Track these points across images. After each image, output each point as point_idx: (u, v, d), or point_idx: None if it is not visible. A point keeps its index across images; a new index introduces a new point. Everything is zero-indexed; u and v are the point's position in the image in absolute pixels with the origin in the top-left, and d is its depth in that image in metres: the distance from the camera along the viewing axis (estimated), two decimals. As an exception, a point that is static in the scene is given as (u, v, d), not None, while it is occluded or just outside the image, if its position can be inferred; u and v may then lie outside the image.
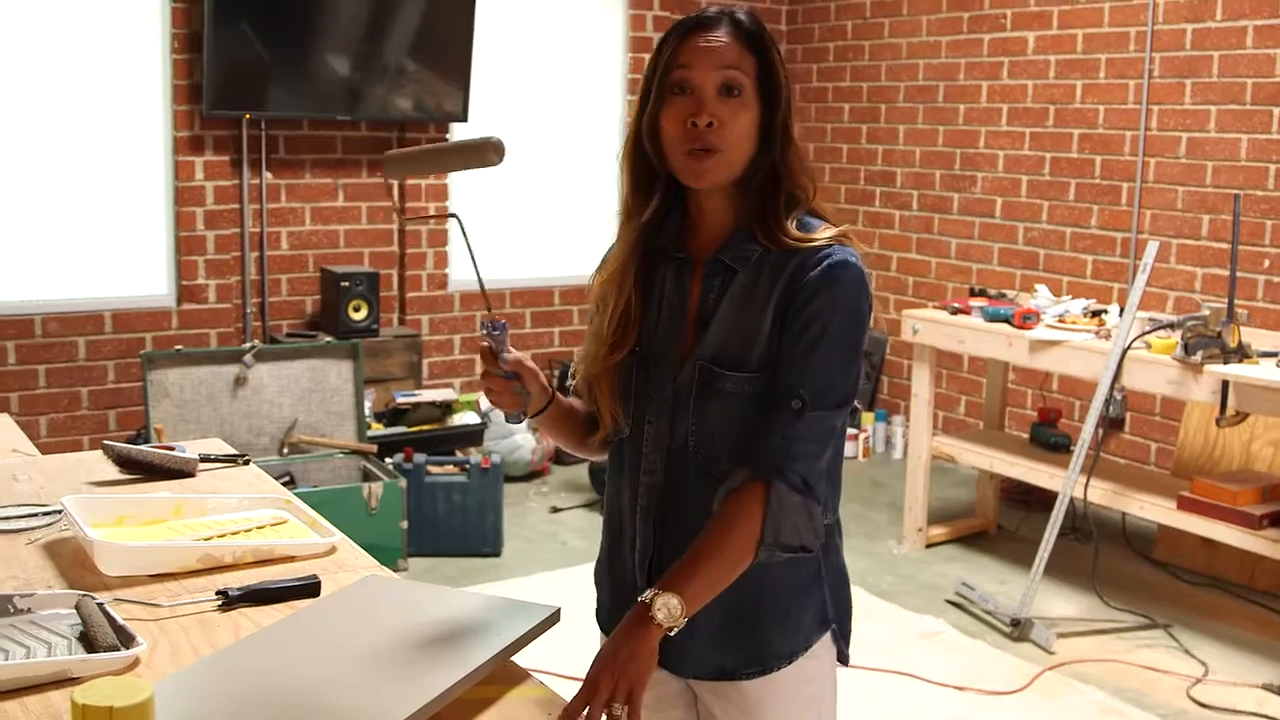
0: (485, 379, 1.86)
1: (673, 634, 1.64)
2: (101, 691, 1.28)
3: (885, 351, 6.97)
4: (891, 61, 6.72)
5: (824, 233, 1.79)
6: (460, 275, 6.48)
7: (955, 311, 4.99)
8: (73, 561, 2.04)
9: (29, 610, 1.80)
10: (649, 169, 1.83)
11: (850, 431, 6.50)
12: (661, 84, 1.77)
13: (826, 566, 1.89)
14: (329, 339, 5.46)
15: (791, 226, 1.79)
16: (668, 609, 1.63)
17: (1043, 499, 5.43)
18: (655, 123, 1.78)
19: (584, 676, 1.61)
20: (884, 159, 6.85)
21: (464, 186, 6.45)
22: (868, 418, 6.78)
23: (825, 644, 1.92)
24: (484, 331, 1.84)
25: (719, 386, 1.78)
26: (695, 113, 1.73)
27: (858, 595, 4.58)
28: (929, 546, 5.26)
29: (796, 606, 1.87)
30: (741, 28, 1.76)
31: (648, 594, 1.64)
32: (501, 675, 1.68)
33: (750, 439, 1.75)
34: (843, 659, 1.96)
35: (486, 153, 1.96)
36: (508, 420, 1.90)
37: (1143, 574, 4.97)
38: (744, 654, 1.87)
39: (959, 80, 6.38)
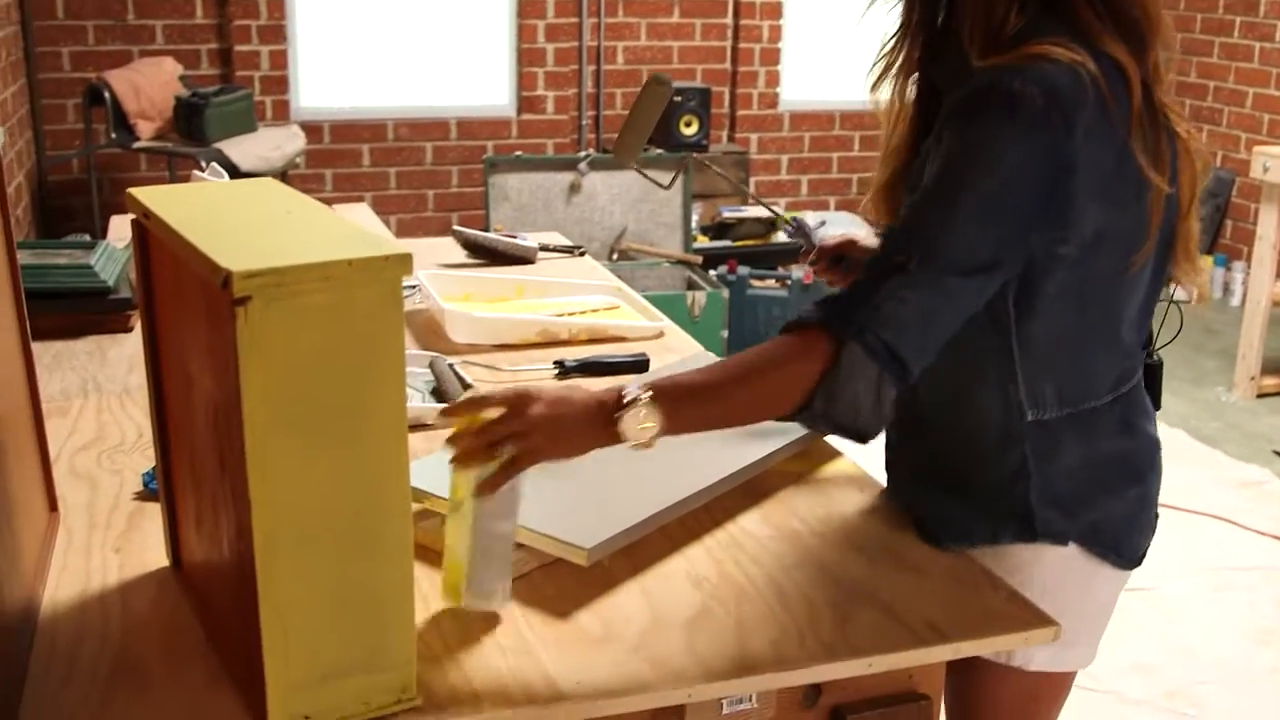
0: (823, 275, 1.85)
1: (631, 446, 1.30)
2: None
3: (1231, 193, 6.60)
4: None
5: (1020, 52, 1.36)
6: (790, 95, 6.47)
7: (1315, 147, 4.69)
8: (425, 329, 2.23)
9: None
10: None
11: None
12: None
13: (1039, 469, 1.49)
14: (660, 151, 5.58)
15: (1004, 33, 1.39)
16: (638, 425, 1.29)
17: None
18: None
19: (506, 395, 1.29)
20: (1250, -16, 6.40)
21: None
22: (1206, 261, 6.47)
23: (1050, 555, 1.52)
24: (790, 234, 1.88)
25: None
26: None
27: (1177, 439, 4.49)
28: (1260, 396, 5.04)
29: (979, 490, 1.54)
30: None
31: (632, 390, 1.30)
32: (814, 452, 1.76)
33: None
34: (1128, 563, 1.57)
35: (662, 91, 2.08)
36: None
37: None
38: (919, 510, 1.60)
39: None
